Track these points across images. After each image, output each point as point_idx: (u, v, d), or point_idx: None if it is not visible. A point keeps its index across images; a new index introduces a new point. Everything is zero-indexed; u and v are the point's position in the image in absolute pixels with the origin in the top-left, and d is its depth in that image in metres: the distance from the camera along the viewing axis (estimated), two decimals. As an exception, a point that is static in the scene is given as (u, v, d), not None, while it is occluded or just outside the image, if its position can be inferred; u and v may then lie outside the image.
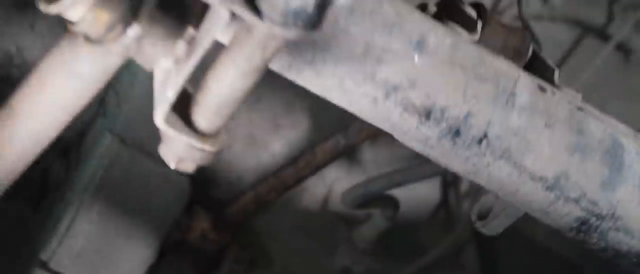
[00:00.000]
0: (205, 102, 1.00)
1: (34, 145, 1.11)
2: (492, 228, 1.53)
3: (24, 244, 2.12)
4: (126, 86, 2.07)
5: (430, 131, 1.23)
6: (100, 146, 2.06)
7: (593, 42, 2.84)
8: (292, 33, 0.91)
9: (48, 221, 2.10)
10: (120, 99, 2.09)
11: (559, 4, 2.77)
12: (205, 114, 1.01)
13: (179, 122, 1.01)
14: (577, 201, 1.31)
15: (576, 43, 2.85)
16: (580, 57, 2.83)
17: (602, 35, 2.82)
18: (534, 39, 2.20)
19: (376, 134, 2.12)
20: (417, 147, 1.27)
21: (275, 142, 2.36)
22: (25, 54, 2.14)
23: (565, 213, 1.33)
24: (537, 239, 2.73)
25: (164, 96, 0.99)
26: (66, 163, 2.18)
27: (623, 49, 2.86)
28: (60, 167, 2.18)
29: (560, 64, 2.85)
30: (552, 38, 2.81)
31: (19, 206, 2.17)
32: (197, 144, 1.01)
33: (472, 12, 1.33)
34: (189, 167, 1.04)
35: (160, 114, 0.99)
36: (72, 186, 2.09)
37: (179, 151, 1.02)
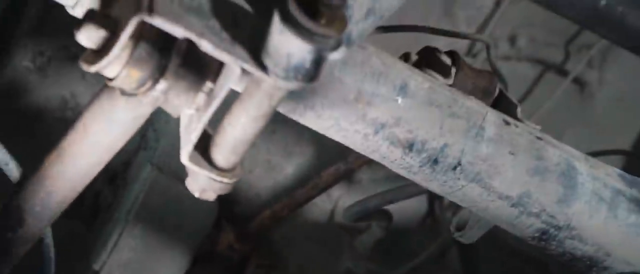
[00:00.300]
0: (222, 143, 1.00)
1: (82, 179, 1.11)
2: (469, 237, 1.52)
3: (79, 257, 2.12)
4: (163, 124, 2.07)
5: (413, 160, 1.22)
6: (141, 174, 2.06)
7: (553, 77, 2.83)
8: (293, 85, 0.90)
9: (99, 238, 2.10)
10: (158, 135, 2.09)
11: (523, 46, 2.76)
12: (223, 153, 1.00)
13: (201, 160, 1.00)
14: (537, 215, 1.30)
15: (539, 78, 2.85)
16: (543, 90, 2.82)
17: (561, 71, 2.82)
18: (501, 79, 2.19)
19: (371, 161, 2.12)
20: (403, 173, 1.27)
21: (288, 167, 2.35)
22: (78, 99, 2.14)
23: (528, 225, 1.32)
24: (509, 242, 2.72)
25: (188, 138, 0.99)
26: (114, 189, 2.18)
27: (579, 83, 2.85)
28: (108, 192, 2.18)
29: (526, 96, 2.84)
30: (519, 75, 2.81)
31: (75, 225, 2.17)
32: (217, 178, 1.00)
33: (447, 60, 1.33)
34: (210, 196, 1.03)
35: (185, 154, 0.99)
36: (119, 207, 2.09)
37: (202, 184, 1.02)
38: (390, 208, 2.49)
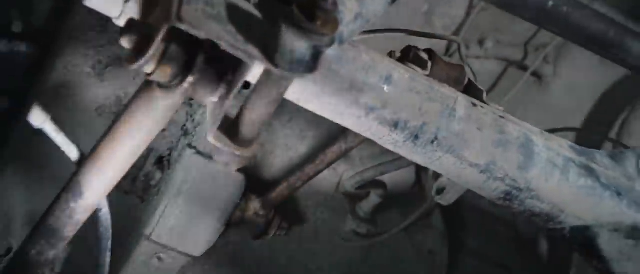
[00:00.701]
0: (241, 124, 1.00)
1: (129, 157, 1.11)
2: (447, 200, 1.52)
3: (135, 224, 2.12)
4: (199, 116, 2.07)
5: (398, 137, 1.22)
6: (183, 156, 2.05)
7: (515, 72, 2.81)
8: (296, 75, 0.90)
9: (149, 208, 2.09)
10: (195, 124, 2.08)
11: (490, 47, 2.74)
12: (241, 132, 1.00)
13: (224, 138, 1.00)
14: (502, 179, 1.29)
15: (503, 73, 2.83)
16: (507, 83, 2.80)
17: (522, 66, 2.80)
18: (471, 71, 2.18)
19: (367, 140, 2.11)
20: (391, 148, 1.26)
21: (302, 147, 2.34)
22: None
23: (495, 188, 1.31)
24: (481, 204, 2.71)
25: (213, 121, 0.99)
26: (161, 168, 2.17)
27: (537, 76, 2.83)
28: (157, 172, 2.17)
29: (493, 88, 2.82)
30: (487, 71, 2.79)
31: (132, 200, 2.16)
32: (237, 152, 1.00)
33: (425, 55, 1.32)
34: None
35: (211, 134, 0.99)
36: (166, 184, 2.08)
37: (225, 158, 1.02)
38: (385, 178, 2.48)
